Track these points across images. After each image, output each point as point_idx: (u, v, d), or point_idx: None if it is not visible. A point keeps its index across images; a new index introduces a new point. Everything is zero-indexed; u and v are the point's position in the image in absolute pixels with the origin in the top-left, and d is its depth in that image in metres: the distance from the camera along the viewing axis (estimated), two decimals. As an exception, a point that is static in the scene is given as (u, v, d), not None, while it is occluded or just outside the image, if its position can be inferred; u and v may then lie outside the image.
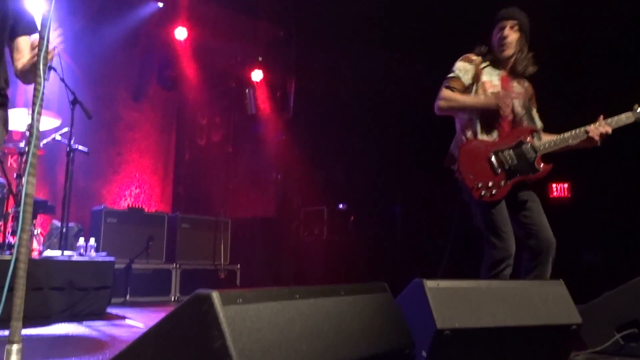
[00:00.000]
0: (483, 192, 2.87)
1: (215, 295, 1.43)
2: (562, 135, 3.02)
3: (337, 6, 6.58)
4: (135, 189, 7.61)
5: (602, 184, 5.29)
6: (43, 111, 4.51)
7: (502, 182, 2.89)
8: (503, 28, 3.05)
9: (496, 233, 2.86)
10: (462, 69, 3.06)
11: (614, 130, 2.98)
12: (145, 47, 7.73)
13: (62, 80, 4.62)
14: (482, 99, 3.02)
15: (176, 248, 6.29)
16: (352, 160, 7.19)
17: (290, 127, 8.04)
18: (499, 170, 2.91)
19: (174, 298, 5.94)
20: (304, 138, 7.68)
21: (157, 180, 7.87)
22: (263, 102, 8.61)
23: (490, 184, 2.87)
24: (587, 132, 2.95)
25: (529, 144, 2.97)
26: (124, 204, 7.27)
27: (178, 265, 6.09)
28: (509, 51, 3.06)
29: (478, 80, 3.06)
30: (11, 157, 4.91)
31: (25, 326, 1.74)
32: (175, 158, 8.12)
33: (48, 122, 4.68)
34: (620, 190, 5.16)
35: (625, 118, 2.99)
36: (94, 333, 3.56)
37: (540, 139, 3.08)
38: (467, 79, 3.04)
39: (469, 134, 3.04)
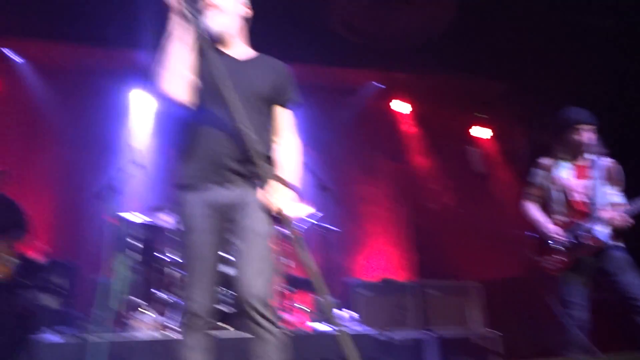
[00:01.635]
0: None
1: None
2: None
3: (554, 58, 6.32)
4: (380, 260, 7.93)
5: None
6: (302, 200, 5.11)
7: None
8: (582, 131, 3.58)
9: None
10: (538, 175, 3.86)
11: None
12: (370, 125, 8.26)
13: (311, 170, 5.17)
14: (545, 226, 3.71)
15: (426, 315, 6.30)
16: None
17: (522, 180, 7.67)
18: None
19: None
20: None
21: (399, 250, 8.09)
22: (491, 158, 8.47)
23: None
24: None
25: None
26: (372, 275, 7.60)
27: (431, 333, 6.07)
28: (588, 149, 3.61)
29: (550, 179, 3.78)
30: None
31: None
32: (414, 226, 8.28)
33: (305, 209, 5.26)
34: None
35: None
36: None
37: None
38: (543, 183, 3.82)
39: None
